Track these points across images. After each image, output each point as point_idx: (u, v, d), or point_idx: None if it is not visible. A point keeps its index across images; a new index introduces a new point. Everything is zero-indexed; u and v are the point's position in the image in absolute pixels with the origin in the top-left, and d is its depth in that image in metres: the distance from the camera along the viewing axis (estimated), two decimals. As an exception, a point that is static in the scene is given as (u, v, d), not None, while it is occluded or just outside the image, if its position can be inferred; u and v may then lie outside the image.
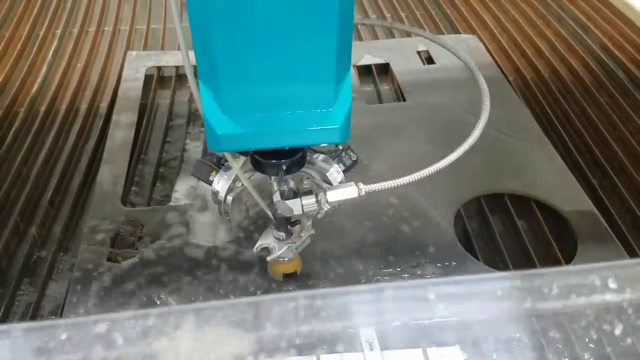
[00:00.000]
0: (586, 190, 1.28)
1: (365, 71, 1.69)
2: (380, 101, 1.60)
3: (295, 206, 0.90)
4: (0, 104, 1.56)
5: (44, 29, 1.90)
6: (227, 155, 0.90)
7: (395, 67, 1.67)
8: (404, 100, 1.56)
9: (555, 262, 1.12)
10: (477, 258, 1.12)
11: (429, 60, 1.72)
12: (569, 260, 1.10)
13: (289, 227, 0.99)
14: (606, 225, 1.16)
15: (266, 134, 0.80)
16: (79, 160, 1.40)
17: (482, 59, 1.72)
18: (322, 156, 0.99)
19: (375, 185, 0.91)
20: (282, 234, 1.00)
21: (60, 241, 1.19)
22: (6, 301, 1.07)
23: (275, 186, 0.92)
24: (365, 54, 1.72)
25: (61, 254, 1.19)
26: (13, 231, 1.19)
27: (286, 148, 0.87)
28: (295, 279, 1.07)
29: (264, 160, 0.89)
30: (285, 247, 1.01)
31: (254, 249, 1.02)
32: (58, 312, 1.05)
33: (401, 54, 1.73)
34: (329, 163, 0.98)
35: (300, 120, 0.80)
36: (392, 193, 1.22)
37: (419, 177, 0.92)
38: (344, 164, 0.99)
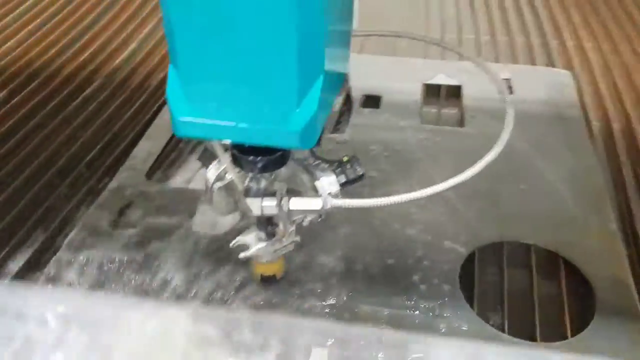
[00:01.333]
0: (635, 264, 1.11)
1: (434, 91, 1.60)
2: (438, 123, 1.51)
3: (254, 206, 0.87)
4: (85, 69, 1.69)
5: (152, 5, 2.02)
6: (215, 144, 0.89)
7: (466, 91, 1.56)
8: (464, 126, 1.45)
9: (561, 332, 0.98)
10: (472, 305, 1.01)
11: (509, 89, 1.59)
12: (577, 332, 0.96)
13: (269, 228, 0.96)
14: (638, 303, 0.99)
15: (224, 126, 0.78)
16: (129, 134, 1.46)
17: (567, 97, 1.55)
18: (322, 164, 0.95)
19: (344, 200, 0.87)
20: (262, 234, 0.97)
21: (80, 201, 1.25)
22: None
23: (246, 182, 0.90)
24: (441, 73, 1.64)
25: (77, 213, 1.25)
26: (46, 184, 1.28)
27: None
28: (273, 284, 1.03)
29: (239, 154, 0.87)
30: (262, 246, 0.97)
31: (231, 244, 0.99)
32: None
33: (479, 78, 1.61)
34: (325, 172, 0.94)
35: (259, 118, 0.76)
36: (405, 217, 1.15)
37: (396, 201, 0.86)
38: (346, 176, 0.94)
